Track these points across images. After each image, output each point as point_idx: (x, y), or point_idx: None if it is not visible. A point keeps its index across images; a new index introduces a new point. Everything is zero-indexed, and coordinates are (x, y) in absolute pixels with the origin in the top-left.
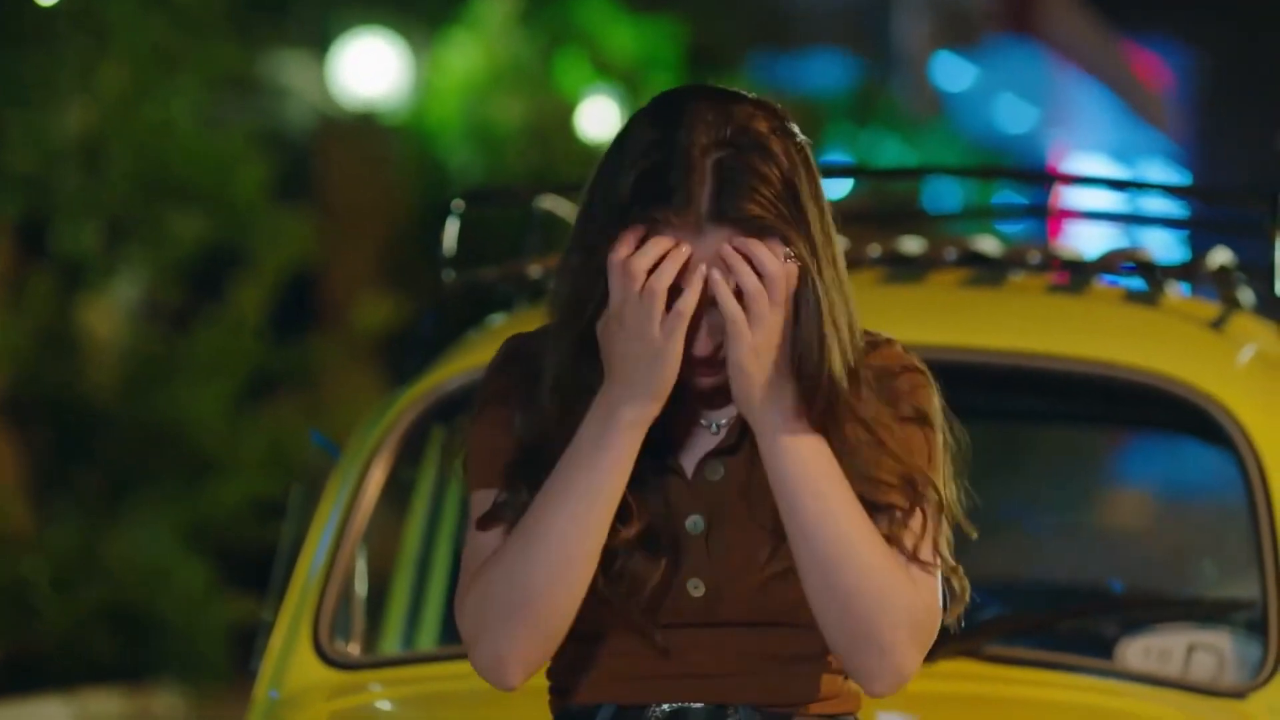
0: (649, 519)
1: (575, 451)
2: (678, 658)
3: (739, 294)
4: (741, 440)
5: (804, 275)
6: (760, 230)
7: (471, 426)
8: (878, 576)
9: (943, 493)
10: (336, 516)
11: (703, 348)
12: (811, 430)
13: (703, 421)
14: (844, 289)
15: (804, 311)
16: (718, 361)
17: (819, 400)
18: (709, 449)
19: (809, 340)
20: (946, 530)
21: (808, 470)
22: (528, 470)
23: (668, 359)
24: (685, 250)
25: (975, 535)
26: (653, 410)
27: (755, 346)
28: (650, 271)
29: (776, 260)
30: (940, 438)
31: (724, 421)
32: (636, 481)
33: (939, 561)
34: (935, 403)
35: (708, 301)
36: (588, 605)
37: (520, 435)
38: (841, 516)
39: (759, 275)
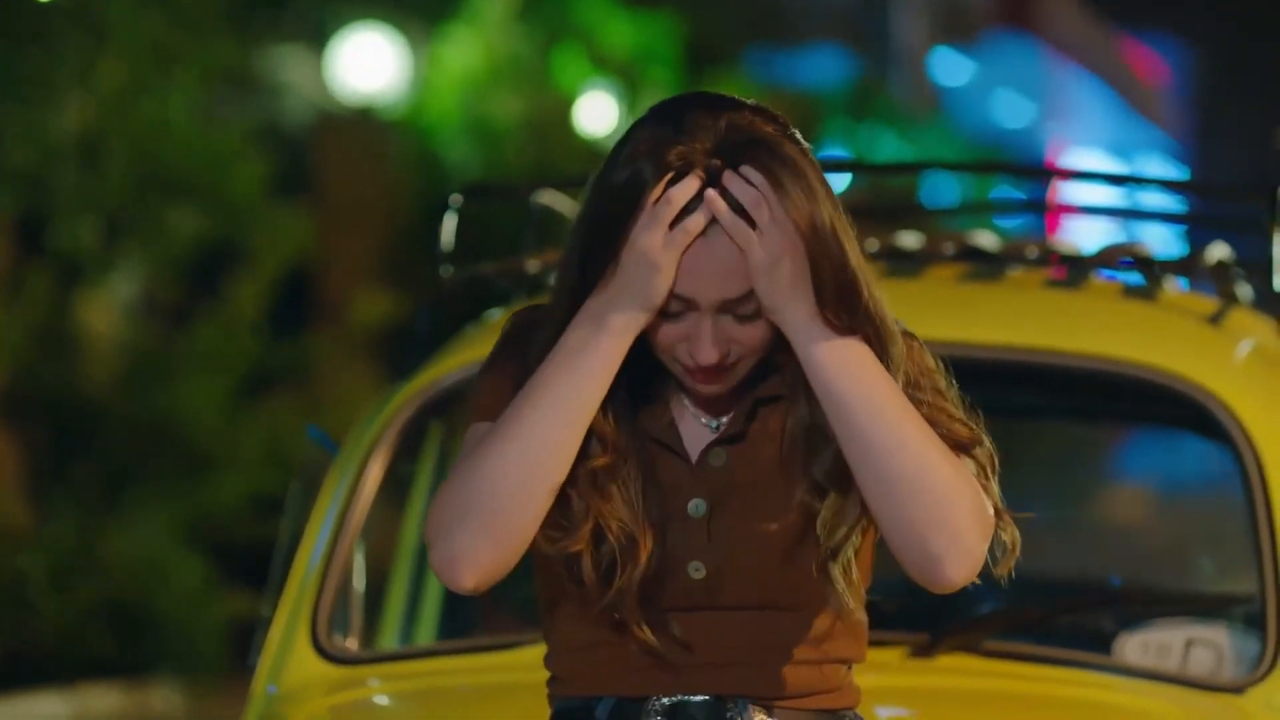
0: (650, 501)
1: (559, 353)
2: (678, 645)
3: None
4: (745, 429)
5: (814, 203)
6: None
7: (478, 376)
8: (940, 463)
9: (987, 442)
10: (335, 512)
11: (708, 355)
12: (846, 331)
13: (703, 420)
14: (863, 261)
15: (822, 240)
16: (724, 368)
17: (860, 325)
18: (711, 440)
19: (837, 262)
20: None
21: (849, 364)
22: None
23: (664, 270)
24: (699, 180)
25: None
26: (640, 320)
27: (769, 254)
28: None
29: (771, 180)
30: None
31: (724, 420)
32: (638, 464)
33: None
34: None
35: (715, 309)
36: (589, 594)
37: (519, 386)
38: (890, 407)
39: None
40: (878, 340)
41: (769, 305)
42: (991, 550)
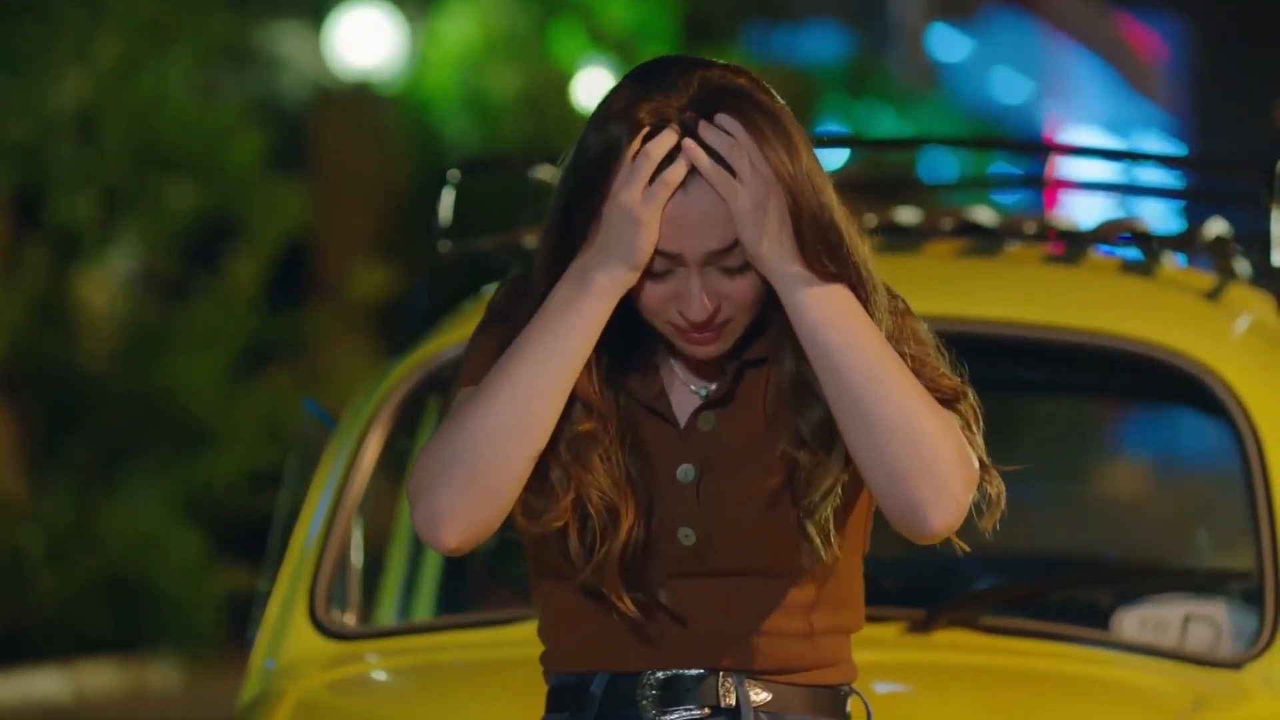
0: (636, 469)
1: (543, 312)
2: (669, 615)
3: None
4: (733, 391)
5: (791, 149)
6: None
7: (471, 338)
8: (925, 411)
9: (971, 396)
10: (332, 486)
11: (698, 311)
12: (830, 277)
13: (691, 387)
14: (842, 208)
15: (801, 186)
16: (716, 327)
17: (844, 271)
18: (699, 404)
19: (817, 208)
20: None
21: (834, 309)
22: None
23: (647, 225)
24: (675, 133)
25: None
26: (624, 278)
27: (752, 200)
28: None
29: (747, 127)
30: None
31: (713, 386)
32: (623, 431)
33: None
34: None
35: (701, 263)
36: (575, 566)
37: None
38: (875, 353)
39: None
40: (861, 287)
41: (754, 253)
42: (977, 505)
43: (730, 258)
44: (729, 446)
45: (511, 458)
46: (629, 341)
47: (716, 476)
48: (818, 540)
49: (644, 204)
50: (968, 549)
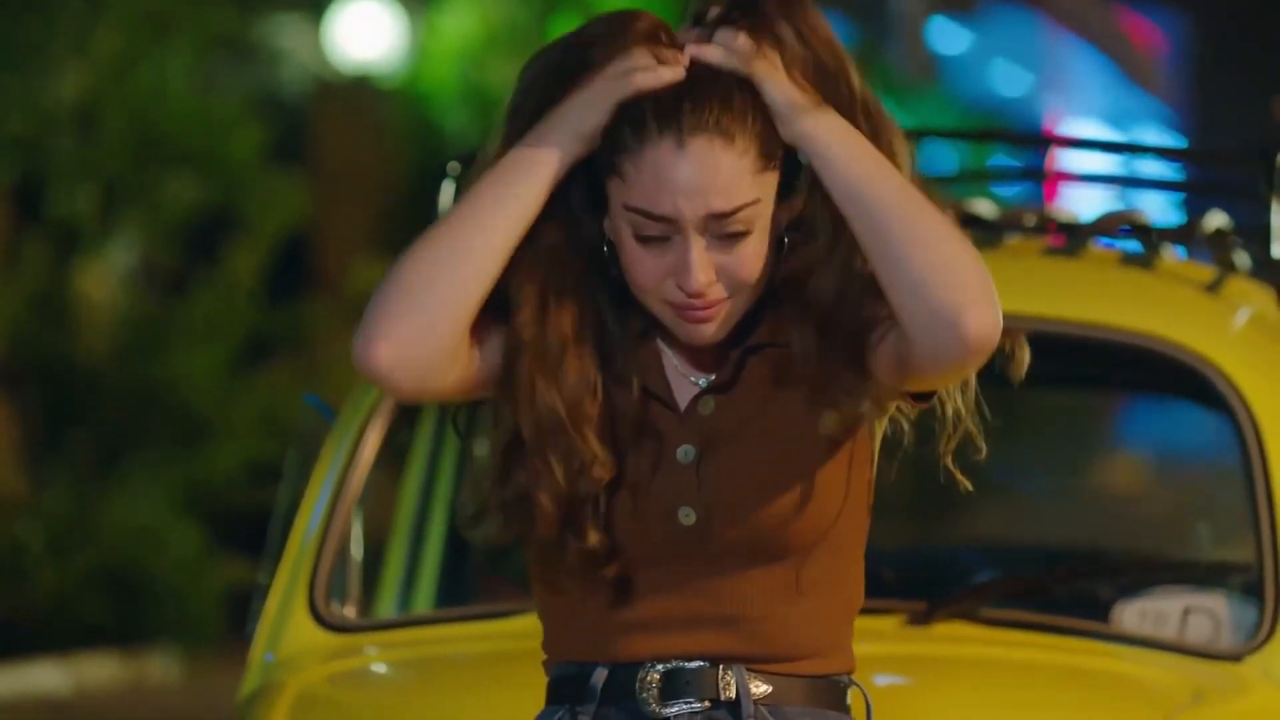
0: (636, 451)
1: (493, 167)
2: (669, 599)
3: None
4: (735, 377)
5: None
6: (745, 134)
7: None
8: (953, 230)
9: None
10: (332, 479)
11: (696, 279)
12: (854, 129)
13: (690, 379)
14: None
15: (833, 78)
16: (715, 303)
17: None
18: (699, 391)
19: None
20: None
21: (873, 157)
22: None
23: (602, 102)
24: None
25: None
26: (575, 149)
27: (769, 63)
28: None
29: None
30: None
31: (712, 377)
32: (625, 415)
33: None
34: None
35: (698, 228)
36: (574, 551)
37: None
38: (908, 188)
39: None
40: (890, 151)
41: (776, 107)
42: (993, 363)
43: (730, 222)
44: (731, 429)
45: (444, 284)
46: (627, 336)
47: (717, 457)
48: (829, 504)
49: (606, 83)
50: (970, 487)
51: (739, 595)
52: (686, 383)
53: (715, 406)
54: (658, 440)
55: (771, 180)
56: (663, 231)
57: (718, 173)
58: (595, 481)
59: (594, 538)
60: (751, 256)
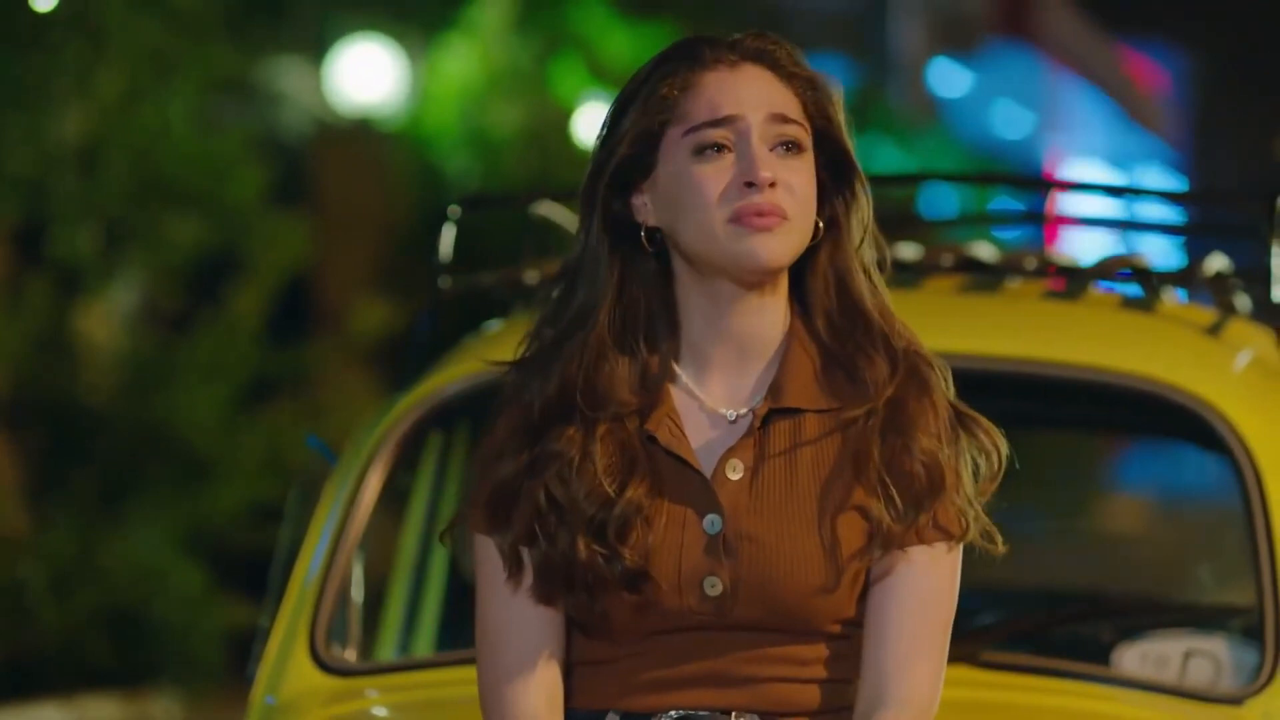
0: (665, 519)
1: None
2: (687, 661)
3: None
4: (764, 436)
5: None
6: (793, 79)
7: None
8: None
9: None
10: (333, 521)
11: (762, 170)
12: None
13: (722, 410)
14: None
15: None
16: (778, 208)
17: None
18: (729, 444)
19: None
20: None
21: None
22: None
23: None
24: None
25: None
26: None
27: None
28: None
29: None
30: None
31: (743, 411)
32: (654, 483)
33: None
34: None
35: (762, 126)
36: (603, 614)
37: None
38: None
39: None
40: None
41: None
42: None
43: (789, 129)
44: (759, 498)
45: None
46: (645, 374)
47: (745, 528)
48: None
49: None
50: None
51: (758, 663)
52: (711, 423)
53: (743, 470)
54: (685, 508)
55: (812, 157)
56: (726, 137)
57: (772, 87)
58: (624, 559)
59: (620, 607)
60: (806, 177)
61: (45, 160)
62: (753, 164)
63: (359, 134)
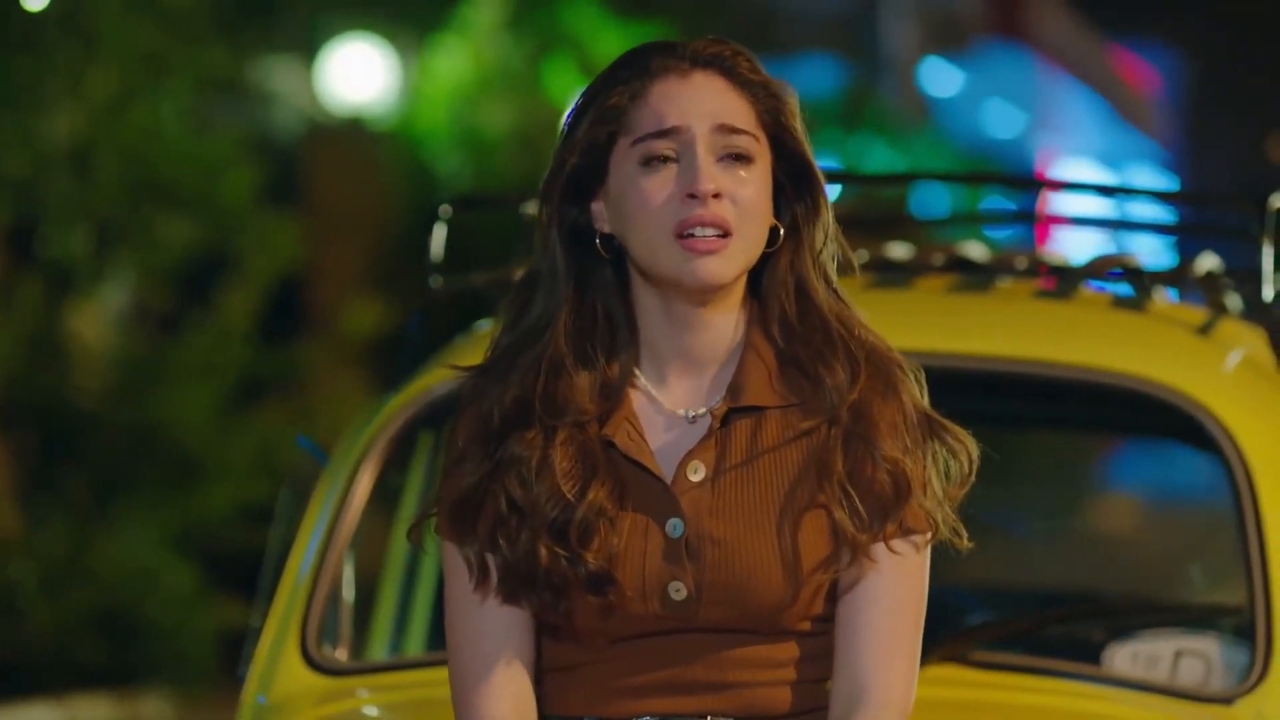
0: (626, 524)
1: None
2: (658, 666)
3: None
4: (723, 442)
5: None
6: (746, 85)
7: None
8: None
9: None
10: (324, 521)
11: (705, 182)
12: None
13: (680, 411)
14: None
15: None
16: (722, 221)
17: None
18: (689, 446)
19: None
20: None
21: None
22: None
23: None
24: None
25: (969, 545)
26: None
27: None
28: None
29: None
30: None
31: (701, 411)
32: (615, 487)
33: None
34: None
35: (707, 137)
36: (570, 621)
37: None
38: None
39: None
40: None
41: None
42: (943, 546)
43: (737, 139)
44: (721, 500)
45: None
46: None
47: (708, 531)
48: (818, 598)
49: None
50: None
51: (729, 665)
52: (668, 427)
53: (705, 471)
54: (647, 513)
55: (766, 165)
56: (670, 148)
57: (722, 96)
58: (587, 563)
59: (585, 612)
60: (755, 189)
61: (37, 160)
62: (695, 176)
63: (350, 134)
